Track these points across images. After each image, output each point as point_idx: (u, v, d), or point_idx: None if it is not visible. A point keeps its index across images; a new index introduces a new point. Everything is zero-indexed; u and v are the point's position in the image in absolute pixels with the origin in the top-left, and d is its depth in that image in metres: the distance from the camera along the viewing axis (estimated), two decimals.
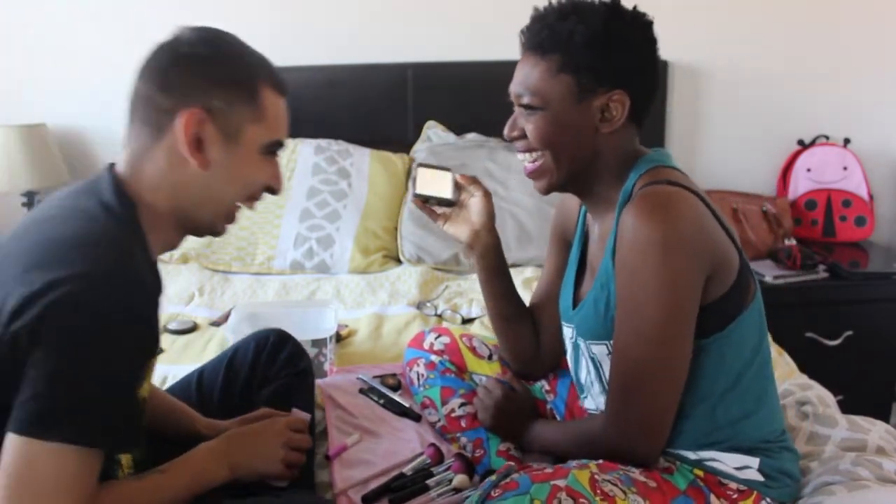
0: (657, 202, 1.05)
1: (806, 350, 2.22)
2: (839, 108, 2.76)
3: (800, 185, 2.71)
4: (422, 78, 2.66)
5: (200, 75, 1.01)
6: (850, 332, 2.40)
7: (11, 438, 0.86)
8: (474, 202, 1.37)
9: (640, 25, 1.14)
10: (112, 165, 1.05)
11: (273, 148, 1.08)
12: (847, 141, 2.72)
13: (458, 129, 2.63)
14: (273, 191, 1.11)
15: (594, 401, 1.25)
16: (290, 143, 2.55)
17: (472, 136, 2.61)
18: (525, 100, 1.17)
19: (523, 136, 1.19)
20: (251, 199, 1.10)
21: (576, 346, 1.25)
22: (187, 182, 1.02)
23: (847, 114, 2.76)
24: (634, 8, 1.15)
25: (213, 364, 1.42)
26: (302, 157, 2.52)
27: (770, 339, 1.21)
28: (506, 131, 1.21)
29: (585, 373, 1.26)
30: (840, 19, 2.70)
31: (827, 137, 2.75)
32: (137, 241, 1.01)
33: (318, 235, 2.36)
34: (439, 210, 1.39)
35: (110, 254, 0.93)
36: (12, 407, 0.87)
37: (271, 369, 1.38)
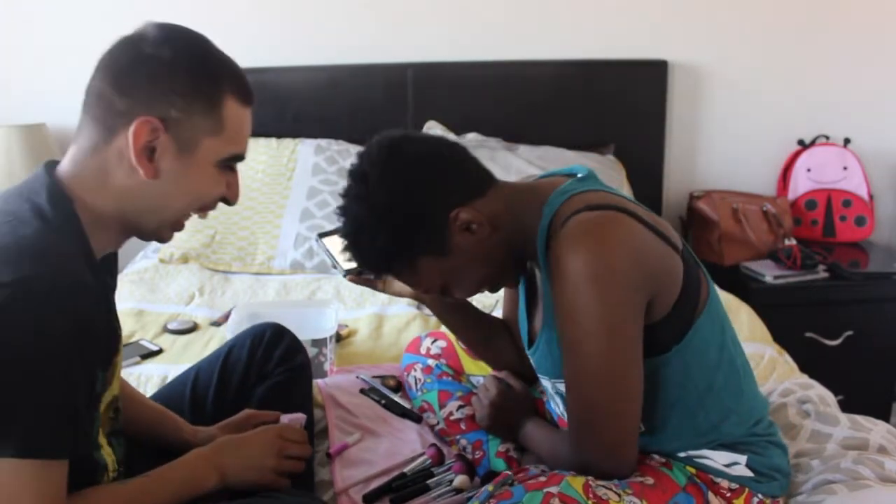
0: (581, 234, 1.02)
1: (806, 350, 2.22)
2: (839, 108, 2.76)
3: (800, 185, 2.71)
4: (422, 78, 2.66)
5: (160, 81, 0.95)
6: (850, 332, 2.40)
7: None
8: None
9: (403, 174, 1.09)
10: (50, 164, 1.00)
11: (231, 161, 1.02)
12: (847, 141, 2.72)
13: (458, 129, 2.62)
14: (228, 202, 1.06)
15: None
16: (290, 144, 2.56)
17: (471, 136, 2.61)
18: (424, 298, 1.25)
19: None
20: (203, 209, 1.05)
21: (548, 385, 1.24)
22: (134, 189, 0.97)
23: (847, 114, 2.76)
24: (383, 166, 1.09)
25: (209, 362, 1.40)
26: (302, 157, 2.51)
27: (735, 332, 1.19)
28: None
29: (554, 404, 1.26)
30: (840, 19, 2.70)
31: (827, 137, 2.75)
32: (75, 244, 0.95)
33: None
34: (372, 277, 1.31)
35: (39, 261, 0.88)
36: None
37: (267, 366, 1.36)
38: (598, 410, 1.04)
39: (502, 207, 1.13)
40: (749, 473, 1.13)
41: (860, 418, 1.37)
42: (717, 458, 1.13)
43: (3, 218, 0.93)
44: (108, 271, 1.08)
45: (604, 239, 1.01)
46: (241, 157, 1.03)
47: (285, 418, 1.28)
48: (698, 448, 1.13)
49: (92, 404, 0.97)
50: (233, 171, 1.04)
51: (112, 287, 1.10)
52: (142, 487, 1.02)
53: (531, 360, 1.25)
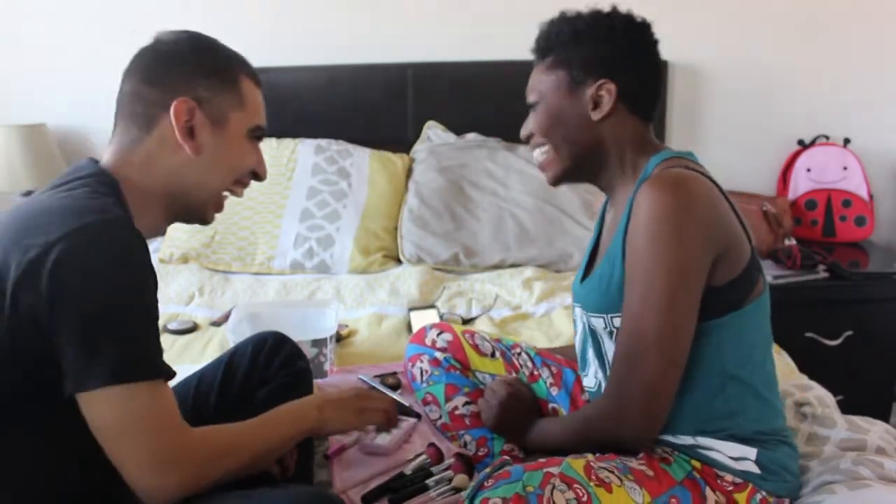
0: (672, 180, 1.11)
1: (806, 350, 2.21)
2: (839, 108, 2.76)
3: (800, 185, 2.71)
4: (422, 78, 2.66)
5: (184, 68, 1.08)
6: (850, 332, 2.39)
7: (92, 396, 0.90)
8: None
9: (624, 20, 1.22)
10: (90, 159, 1.10)
11: (256, 133, 1.15)
12: (847, 141, 2.72)
13: (458, 129, 2.63)
14: (258, 176, 1.18)
15: (593, 378, 1.28)
16: (290, 144, 2.56)
17: (471, 136, 2.61)
18: (529, 98, 1.26)
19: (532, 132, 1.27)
20: (239, 184, 1.17)
21: (584, 323, 1.28)
22: (179, 168, 1.09)
23: (847, 114, 2.76)
24: (618, 8, 1.25)
25: (212, 367, 1.42)
26: (302, 157, 2.52)
27: (773, 343, 1.24)
28: (522, 132, 1.29)
29: (590, 349, 1.28)
30: (840, 19, 2.70)
31: (827, 137, 2.75)
32: (123, 212, 1.03)
33: (318, 235, 2.36)
34: None
35: (99, 211, 0.95)
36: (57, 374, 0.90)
37: (269, 370, 1.38)
38: (648, 340, 1.08)
39: (631, 131, 1.23)
40: (755, 469, 1.14)
41: (857, 419, 1.37)
42: (726, 451, 1.14)
43: (58, 194, 1.00)
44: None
45: (688, 189, 1.10)
46: (263, 129, 1.16)
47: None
48: (709, 435, 1.15)
49: None
50: (258, 144, 1.17)
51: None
52: (263, 421, 1.09)
53: (577, 305, 1.30)
